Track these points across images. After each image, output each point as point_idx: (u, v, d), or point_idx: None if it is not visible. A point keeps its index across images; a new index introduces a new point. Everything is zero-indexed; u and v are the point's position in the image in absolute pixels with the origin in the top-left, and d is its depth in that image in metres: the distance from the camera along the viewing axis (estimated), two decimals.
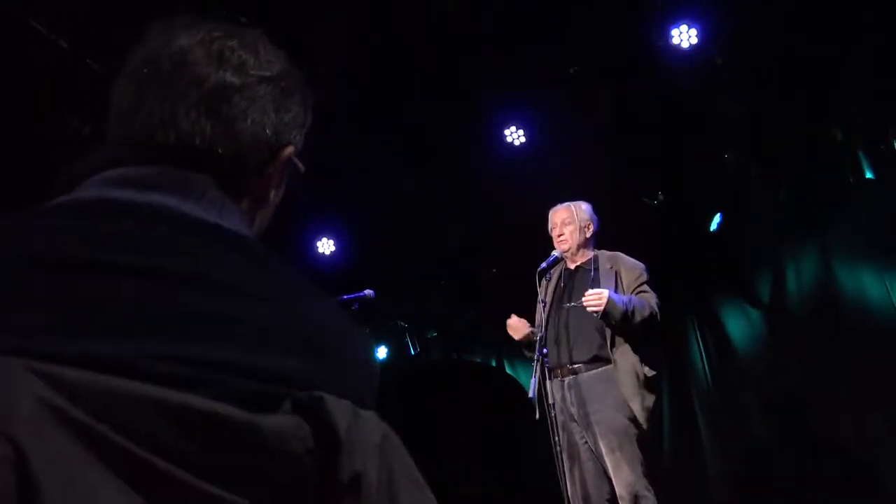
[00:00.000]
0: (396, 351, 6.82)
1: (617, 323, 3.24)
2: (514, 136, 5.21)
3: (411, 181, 5.35)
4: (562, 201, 3.80)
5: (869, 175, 4.94)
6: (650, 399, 3.28)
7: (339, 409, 0.67)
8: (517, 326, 3.55)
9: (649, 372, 3.32)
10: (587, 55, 4.53)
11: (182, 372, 0.61)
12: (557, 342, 3.50)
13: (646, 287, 3.43)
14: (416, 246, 6.01)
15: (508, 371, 6.43)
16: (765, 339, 5.37)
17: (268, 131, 0.77)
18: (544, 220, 3.84)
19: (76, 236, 0.64)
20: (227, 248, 0.70)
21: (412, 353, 7.03)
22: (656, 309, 3.32)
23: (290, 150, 0.81)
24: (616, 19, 4.32)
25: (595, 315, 3.29)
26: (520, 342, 3.59)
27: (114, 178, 0.70)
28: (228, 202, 0.74)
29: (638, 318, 3.23)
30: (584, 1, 4.16)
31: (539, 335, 3.42)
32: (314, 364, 0.68)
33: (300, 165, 0.88)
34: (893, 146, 4.89)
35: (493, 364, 6.65)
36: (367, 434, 0.69)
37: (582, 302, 3.30)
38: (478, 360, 6.81)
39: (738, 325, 5.57)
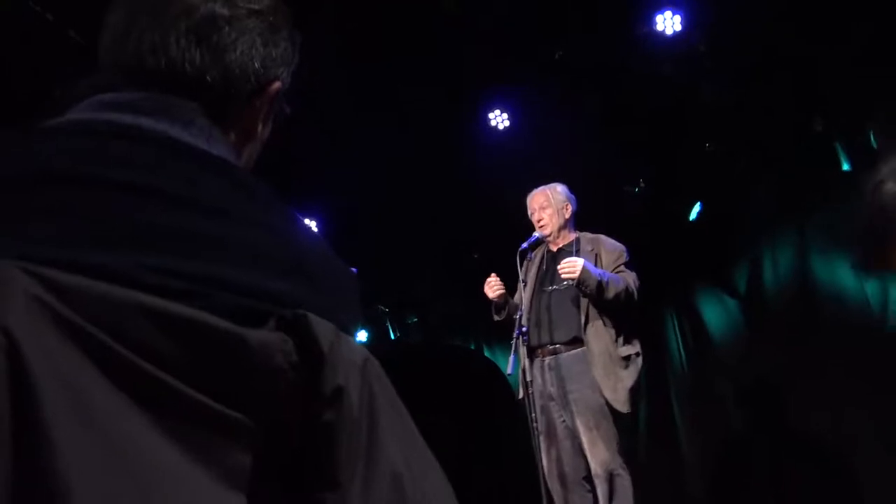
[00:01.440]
0: (376, 336, 6.84)
1: (592, 293, 3.29)
2: (499, 119, 5.24)
3: (393, 164, 5.36)
4: (543, 185, 3.86)
5: (846, 167, 5.02)
6: (628, 378, 3.32)
7: (323, 327, 0.70)
8: (494, 284, 3.61)
9: (625, 351, 3.37)
10: (572, 40, 4.56)
11: (173, 284, 0.63)
12: (538, 324, 3.54)
13: (624, 267, 3.49)
14: (396, 231, 6.02)
15: (487, 354, 6.47)
16: (741, 328, 5.44)
17: (256, 64, 0.79)
18: (523, 202, 3.90)
19: (72, 154, 0.66)
20: (216, 173, 0.72)
21: (392, 337, 7.06)
22: (633, 287, 3.37)
23: (277, 84, 0.83)
24: (601, 4, 4.35)
25: (570, 283, 3.36)
26: (493, 301, 3.65)
27: (104, 102, 0.72)
28: (216, 131, 0.76)
29: (612, 291, 3.28)
30: None
31: (519, 314, 3.46)
32: (300, 287, 0.71)
33: (286, 108, 0.90)
34: (871, 139, 4.97)
35: (472, 348, 6.69)
36: (350, 354, 0.72)
37: (558, 271, 3.36)
38: (457, 344, 6.85)
39: (715, 314, 5.64)
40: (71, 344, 0.58)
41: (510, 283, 3.75)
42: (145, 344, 0.61)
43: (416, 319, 7.31)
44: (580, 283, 3.28)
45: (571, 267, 3.28)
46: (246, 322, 0.66)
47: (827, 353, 4.78)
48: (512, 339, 3.49)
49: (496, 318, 3.66)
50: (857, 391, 4.59)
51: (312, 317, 0.70)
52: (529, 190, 3.90)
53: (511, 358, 3.39)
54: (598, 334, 3.37)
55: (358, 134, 5.06)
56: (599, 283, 3.27)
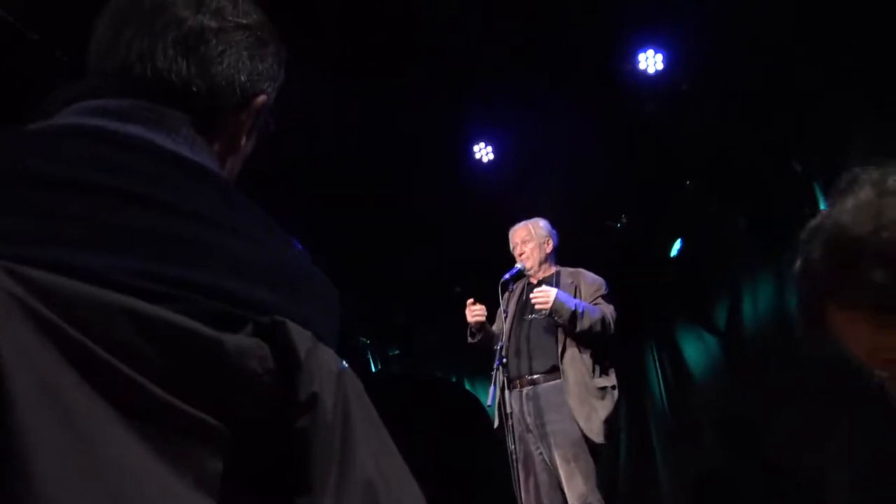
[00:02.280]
0: (357, 367, 6.79)
1: (565, 323, 3.32)
2: (483, 152, 5.29)
3: (375, 195, 5.39)
4: (526, 219, 3.90)
5: (823, 207, 5.10)
6: (603, 410, 3.33)
7: (301, 335, 0.70)
8: (476, 310, 3.60)
9: (601, 382, 3.38)
10: (556, 75, 4.63)
11: (152, 287, 0.64)
12: (518, 354, 3.55)
13: (601, 300, 3.52)
14: (378, 263, 6.03)
15: (468, 387, 6.44)
16: (721, 364, 5.47)
17: (242, 77, 0.80)
18: (506, 234, 3.93)
19: (56, 156, 0.67)
20: (200, 180, 0.73)
21: (373, 369, 7.01)
22: (609, 318, 3.40)
23: (262, 98, 0.84)
24: (585, 41, 4.43)
25: (543, 313, 3.40)
26: (471, 325, 3.66)
27: (89, 108, 0.73)
28: (200, 140, 0.78)
29: (587, 321, 3.31)
30: (555, 22, 4.26)
31: (499, 345, 3.47)
32: (279, 294, 0.71)
33: (271, 122, 0.92)
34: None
35: (454, 380, 6.66)
36: (326, 362, 0.72)
37: (531, 300, 3.39)
38: (438, 376, 6.82)
39: (695, 349, 5.67)
40: (48, 343, 0.58)
41: (491, 314, 3.78)
42: (123, 345, 0.61)
43: (397, 351, 7.27)
44: (553, 312, 3.32)
45: (544, 296, 3.32)
46: (224, 327, 0.67)
47: (806, 388, 4.80)
48: (492, 371, 3.49)
49: (470, 340, 3.67)
50: (837, 427, 4.61)
51: (290, 324, 0.70)
52: (512, 223, 3.94)
53: (491, 389, 3.38)
54: (575, 364, 3.38)
55: (342, 163, 5.08)
56: (573, 313, 3.30)
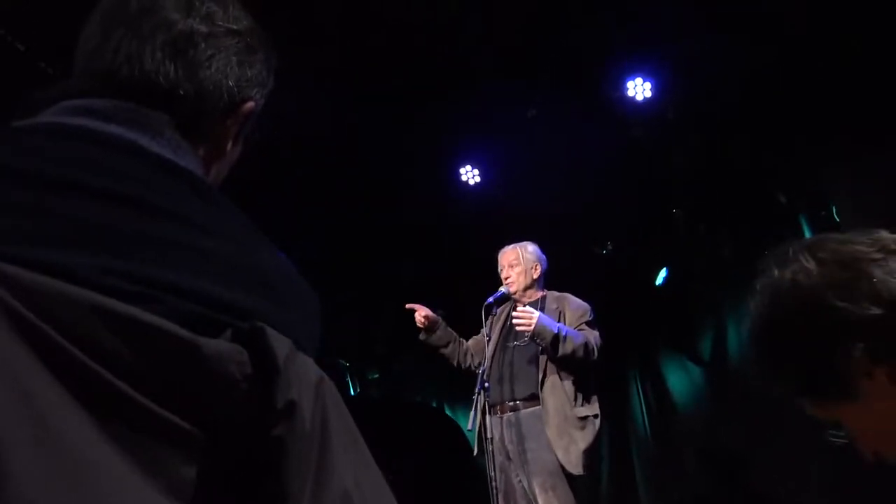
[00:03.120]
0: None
1: (548, 346, 3.31)
2: (470, 175, 5.32)
3: (359, 216, 5.39)
4: (510, 243, 3.91)
5: (808, 236, 5.16)
6: (583, 440, 3.31)
7: (280, 341, 0.70)
8: (421, 318, 3.69)
9: (582, 412, 3.37)
10: (545, 99, 4.67)
11: (131, 288, 0.63)
12: (500, 380, 3.54)
13: (586, 326, 3.52)
14: (361, 284, 6.01)
15: (448, 413, 6.42)
16: (705, 395, 5.49)
17: (230, 82, 0.81)
18: (495, 261, 3.93)
19: (38, 154, 0.67)
20: (182, 184, 0.73)
21: (352, 393, 6.97)
22: (593, 344, 3.40)
23: (250, 105, 0.84)
24: (574, 67, 4.48)
25: (525, 337, 3.41)
26: (426, 334, 3.74)
27: (73, 107, 0.73)
28: (185, 144, 0.78)
29: (570, 345, 3.30)
30: (545, 46, 4.31)
31: (481, 370, 3.46)
32: (259, 300, 0.71)
33: (258, 130, 0.92)
34: (833, 213, 5.13)
35: (434, 406, 6.63)
36: (305, 371, 0.72)
37: (513, 322, 3.40)
38: (418, 401, 6.79)
39: (679, 380, 5.69)
40: (19, 339, 0.58)
41: (466, 332, 3.82)
42: (96, 345, 0.61)
43: (377, 375, 7.24)
44: (535, 335, 3.32)
45: (527, 318, 3.32)
46: (201, 330, 0.66)
47: (789, 419, 4.82)
48: (474, 395, 3.47)
49: (422, 336, 3.76)
50: (822, 462, 4.62)
51: (269, 330, 0.70)
52: (498, 246, 3.95)
53: (471, 414, 3.36)
54: (555, 392, 3.37)
55: (329, 182, 5.09)
56: (556, 337, 3.30)
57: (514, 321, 3.39)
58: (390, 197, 5.32)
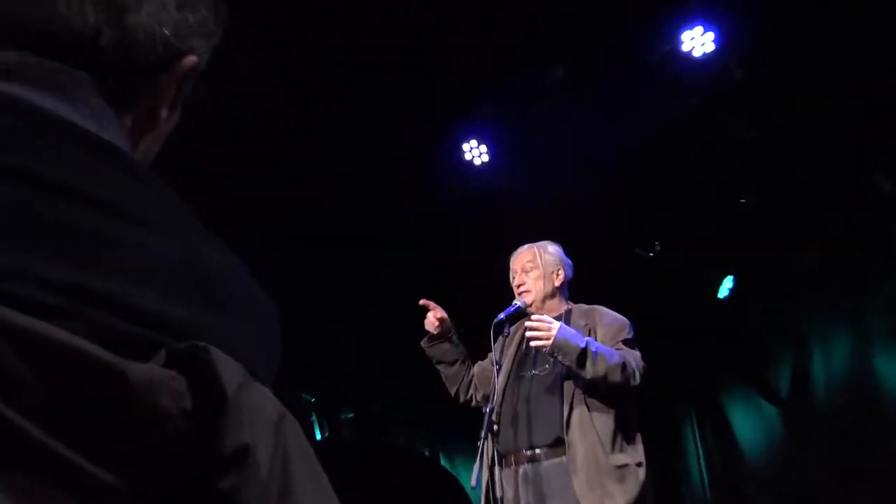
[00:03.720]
0: None
1: (572, 365, 3.30)
2: (475, 153, 5.33)
3: (330, 204, 5.40)
4: (525, 242, 3.92)
5: None
6: (622, 496, 3.29)
7: (229, 366, 0.70)
8: (432, 319, 3.77)
9: (620, 459, 3.36)
10: (574, 55, 4.67)
11: (38, 296, 0.63)
12: (514, 420, 3.54)
13: (623, 345, 3.51)
14: (332, 296, 6.02)
15: (445, 463, 6.43)
16: (781, 440, 5.50)
17: (166, 30, 0.81)
18: (504, 259, 3.94)
19: None
20: (105, 161, 0.73)
21: (319, 437, 6.98)
22: (634, 368, 3.38)
23: (191, 59, 0.84)
24: (615, 14, 4.47)
25: (546, 358, 3.41)
26: (432, 340, 3.82)
27: None
28: (108, 111, 0.78)
29: (602, 366, 3.28)
30: None
31: (489, 407, 3.46)
32: (203, 312, 0.71)
33: (201, 92, 0.93)
34: None
35: (427, 454, 6.64)
36: (262, 404, 0.72)
37: (527, 334, 3.40)
38: (406, 447, 6.80)
39: (749, 421, 5.69)
40: None
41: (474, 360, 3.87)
42: None
43: (351, 415, 7.25)
44: (555, 349, 3.31)
45: (544, 328, 3.31)
46: (128, 352, 0.66)
47: (891, 475, 4.83)
48: (479, 442, 3.48)
49: (423, 344, 3.85)
50: None
51: (215, 352, 0.70)
52: (509, 247, 3.95)
53: (476, 466, 3.36)
54: (585, 432, 3.36)
55: (277, 160, 5.09)
56: (583, 354, 3.28)
57: (528, 333, 3.39)
58: (370, 180, 5.33)
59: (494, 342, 3.65)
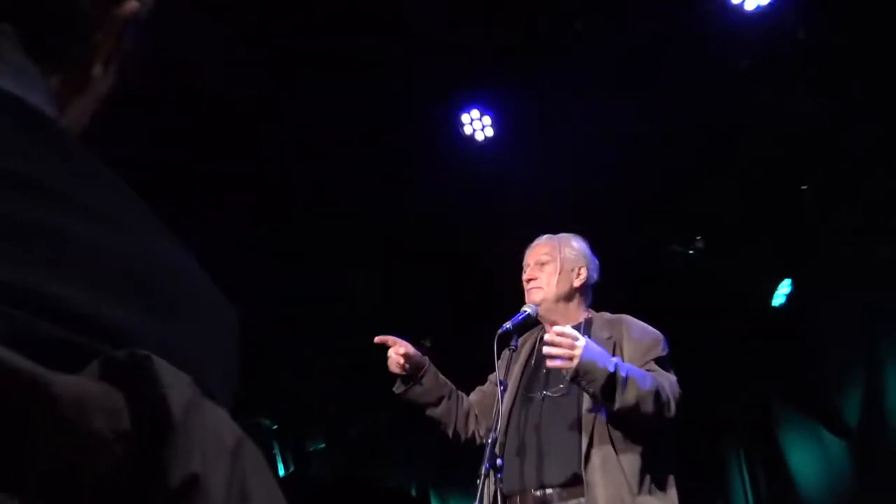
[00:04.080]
0: None
1: (597, 392, 3.27)
2: (477, 125, 5.35)
3: (298, 186, 5.40)
4: (537, 233, 3.92)
5: None
6: None
7: (176, 380, 0.70)
8: (397, 358, 3.67)
9: (652, 502, 3.35)
10: (600, 6, 4.68)
11: None
12: (521, 453, 3.54)
13: (656, 365, 3.49)
14: (298, 301, 6.02)
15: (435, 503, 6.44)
16: (849, 480, 5.50)
17: None
18: (514, 262, 3.94)
19: None
20: (29, 129, 0.73)
21: (282, 472, 6.98)
22: (669, 394, 3.36)
23: (131, 6, 0.85)
24: None
25: (563, 375, 3.35)
26: (404, 383, 3.73)
27: None
28: (34, 72, 0.78)
29: (633, 393, 3.25)
30: None
31: (491, 438, 3.46)
32: (144, 315, 0.71)
33: (142, 45, 0.93)
34: None
35: (414, 494, 6.65)
36: (215, 429, 0.72)
37: (546, 349, 3.33)
38: (389, 485, 6.81)
39: (809, 457, 5.70)
40: None
41: (472, 382, 3.84)
42: None
43: (322, 445, 7.25)
44: (579, 373, 3.26)
45: (566, 344, 3.24)
46: (52, 361, 0.67)
47: None
48: (478, 479, 3.48)
49: (396, 390, 3.76)
50: None
51: (160, 362, 0.70)
52: (516, 244, 3.94)
53: None
54: (608, 471, 3.34)
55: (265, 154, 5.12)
56: (611, 377, 3.24)
57: (546, 350, 3.33)
58: (345, 158, 5.33)
59: (498, 358, 3.63)
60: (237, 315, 0.81)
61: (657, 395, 3.35)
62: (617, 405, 3.30)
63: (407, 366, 3.68)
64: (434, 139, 5.45)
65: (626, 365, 3.37)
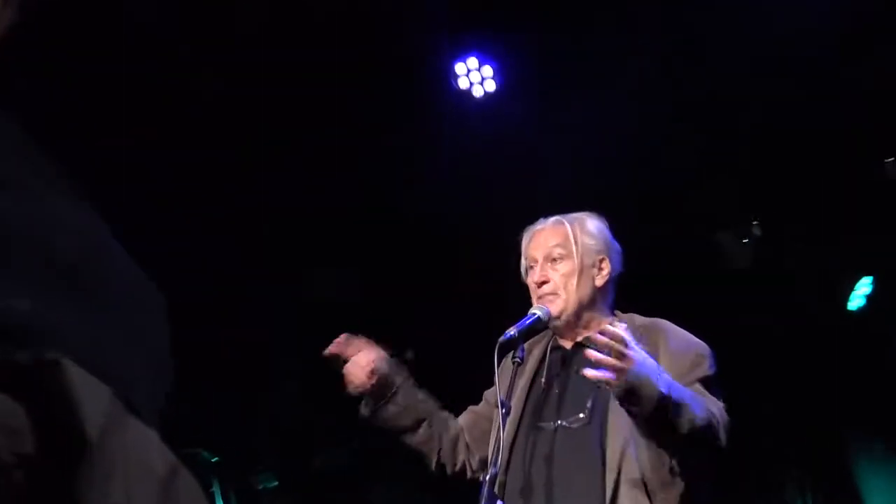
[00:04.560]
0: None
1: (646, 417, 3.22)
2: (475, 77, 5.38)
3: (249, 148, 5.43)
4: (551, 214, 3.88)
5: None
6: None
7: (92, 392, 0.71)
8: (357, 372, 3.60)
9: None
10: None
11: None
12: (527, 495, 3.53)
13: (702, 386, 3.46)
14: (246, 300, 6.05)
15: None
16: None
17: None
18: (519, 252, 3.94)
19: None
20: None
21: None
22: (717, 423, 3.34)
23: None
24: None
25: (606, 389, 3.30)
26: (373, 403, 3.67)
27: None
28: None
29: (685, 423, 3.20)
30: None
31: (491, 472, 3.47)
32: (61, 308, 0.72)
33: None
34: None
35: None
36: (141, 453, 0.73)
37: (587, 354, 3.25)
38: None
39: (889, 491, 5.75)
40: None
41: (463, 401, 3.87)
42: None
43: (276, 483, 7.28)
44: (630, 391, 3.18)
45: (617, 351, 3.11)
46: None
47: None
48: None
49: (363, 412, 3.70)
50: None
51: (73, 369, 0.71)
52: (522, 223, 3.92)
53: None
54: None
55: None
56: (663, 403, 3.17)
57: (590, 354, 3.22)
58: (310, 119, 5.35)
59: (499, 372, 3.60)
60: (166, 311, 0.81)
61: (709, 425, 3.30)
62: (664, 437, 3.25)
63: (373, 381, 3.63)
64: (420, 95, 5.48)
65: (675, 384, 3.22)
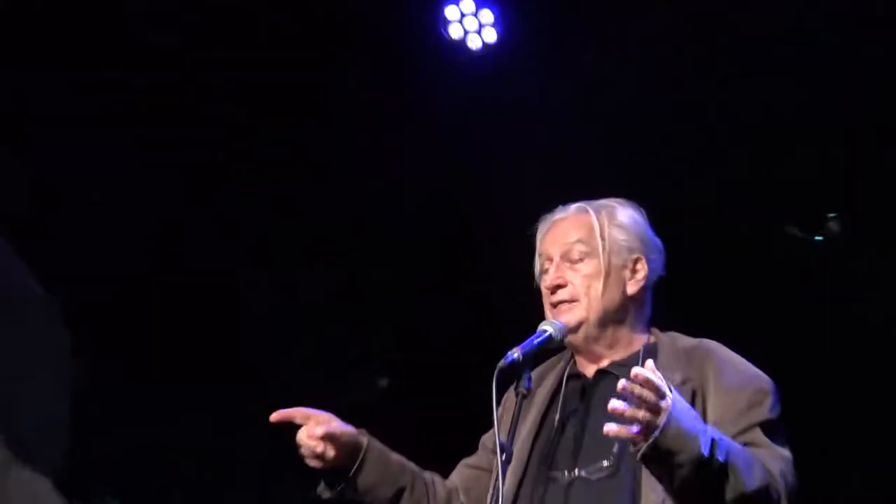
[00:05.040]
0: None
1: (681, 484, 3.22)
2: (470, 25, 5.46)
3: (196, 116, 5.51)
4: (569, 199, 3.88)
5: None
6: None
7: None
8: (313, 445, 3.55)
9: None
10: None
11: None
12: None
13: (761, 435, 3.46)
14: (186, 303, 6.12)
15: None
16: None
17: None
18: (528, 248, 3.93)
19: None
20: None
21: None
22: (781, 487, 3.35)
23: None
24: None
25: (613, 444, 3.31)
26: (337, 480, 3.61)
27: None
28: None
29: (732, 492, 3.22)
30: None
31: None
32: None
33: None
34: None
35: None
36: (26, 500, 0.74)
37: (610, 406, 3.24)
38: None
39: None
40: None
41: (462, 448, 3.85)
42: None
43: None
44: (654, 453, 3.20)
45: (652, 403, 3.08)
46: None
47: None
48: None
49: (323, 493, 3.65)
50: None
51: None
52: (531, 207, 3.93)
53: None
54: None
55: None
56: (702, 466, 3.18)
57: (612, 406, 3.22)
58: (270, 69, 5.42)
59: (498, 405, 3.60)
60: (68, 337, 0.82)
61: (765, 492, 3.31)
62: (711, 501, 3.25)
63: (335, 451, 3.53)
64: (405, 46, 5.58)
65: (724, 439, 3.20)
